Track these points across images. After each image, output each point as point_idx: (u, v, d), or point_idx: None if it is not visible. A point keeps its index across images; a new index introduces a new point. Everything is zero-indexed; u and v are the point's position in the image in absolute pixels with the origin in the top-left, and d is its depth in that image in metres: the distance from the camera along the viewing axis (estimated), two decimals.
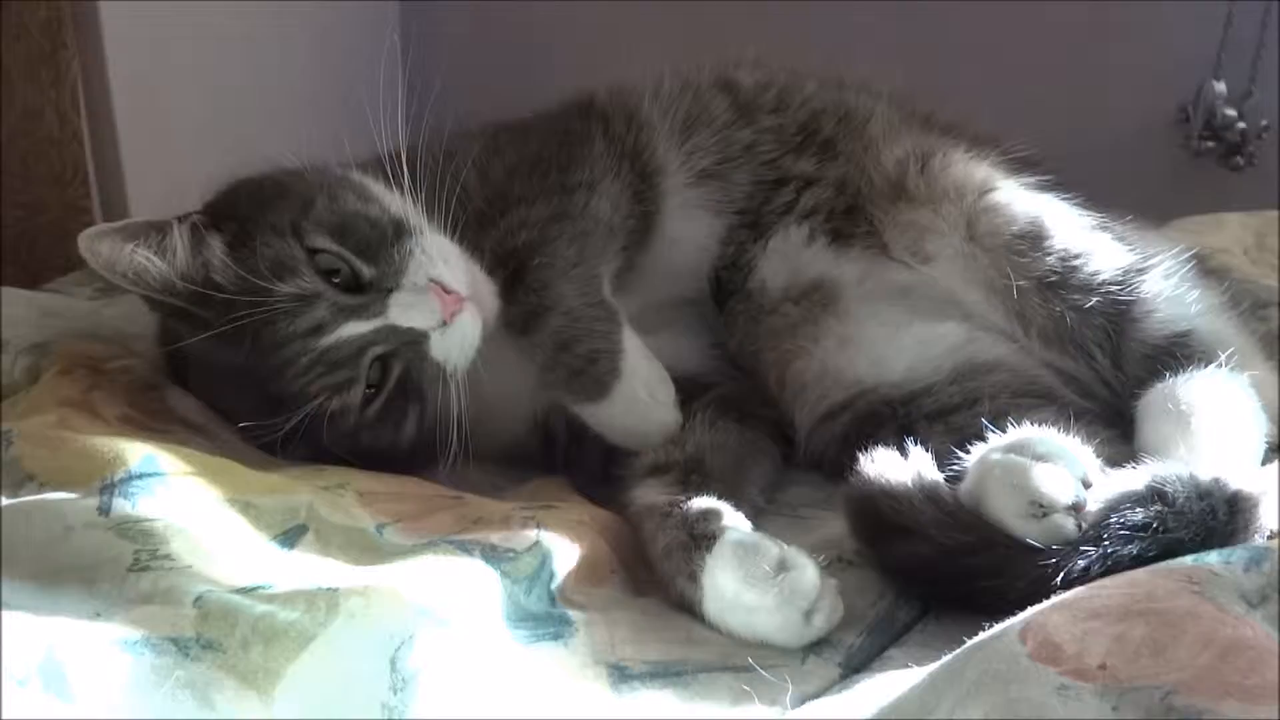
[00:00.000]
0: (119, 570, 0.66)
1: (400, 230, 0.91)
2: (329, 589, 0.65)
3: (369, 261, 0.89)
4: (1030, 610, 0.62)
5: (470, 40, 2.07)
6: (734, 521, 0.81)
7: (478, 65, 1.99)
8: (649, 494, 0.88)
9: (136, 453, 0.74)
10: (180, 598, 0.64)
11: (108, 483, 0.72)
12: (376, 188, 0.96)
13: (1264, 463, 0.84)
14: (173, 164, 1.48)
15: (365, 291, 0.88)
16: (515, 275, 0.95)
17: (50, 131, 1.38)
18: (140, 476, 0.73)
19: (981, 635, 0.61)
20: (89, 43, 1.41)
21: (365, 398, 0.88)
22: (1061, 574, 0.68)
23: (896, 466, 0.79)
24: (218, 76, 1.62)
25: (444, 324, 0.89)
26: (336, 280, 0.88)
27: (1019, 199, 1.00)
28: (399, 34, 2.05)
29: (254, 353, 0.86)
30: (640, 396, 0.95)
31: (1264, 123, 1.76)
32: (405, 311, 0.88)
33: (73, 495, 0.72)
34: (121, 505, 0.71)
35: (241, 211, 0.92)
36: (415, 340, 0.89)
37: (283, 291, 0.86)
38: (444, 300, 0.89)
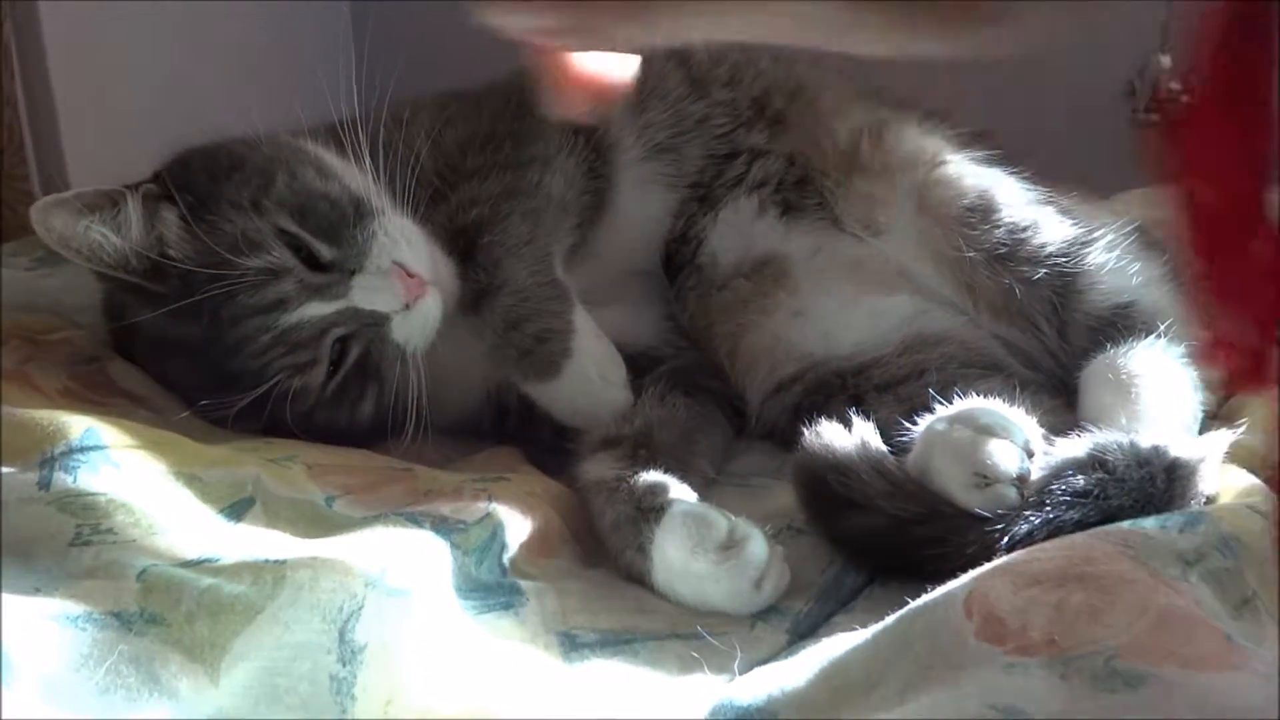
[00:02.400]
0: (60, 545, 0.65)
1: (361, 210, 0.90)
2: (276, 561, 0.65)
3: (329, 242, 0.88)
4: (972, 575, 0.63)
5: (424, 28, 2.04)
6: (681, 494, 0.81)
7: (431, 48, 1.97)
8: (598, 468, 0.88)
9: (78, 425, 0.73)
10: (123, 572, 0.63)
11: (48, 456, 0.70)
12: (335, 162, 0.95)
13: (1200, 431, 0.86)
14: (111, 129, 1.44)
15: (327, 271, 0.87)
16: (466, 252, 0.94)
17: None
18: (82, 449, 0.71)
19: (924, 599, 0.63)
20: (22, 3, 1.36)
21: (324, 377, 0.87)
22: (1005, 539, 0.69)
23: (842, 438, 0.80)
24: (158, 39, 1.58)
25: (406, 308, 0.88)
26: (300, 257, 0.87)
27: (969, 172, 1.01)
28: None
29: (211, 328, 0.85)
30: (591, 376, 0.94)
31: None
32: (368, 294, 0.87)
33: (10, 470, 0.70)
34: (62, 479, 0.69)
35: (197, 183, 0.89)
36: (376, 323, 0.88)
37: (247, 265, 0.84)
38: (407, 284, 0.88)
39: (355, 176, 0.93)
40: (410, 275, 0.88)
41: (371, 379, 0.89)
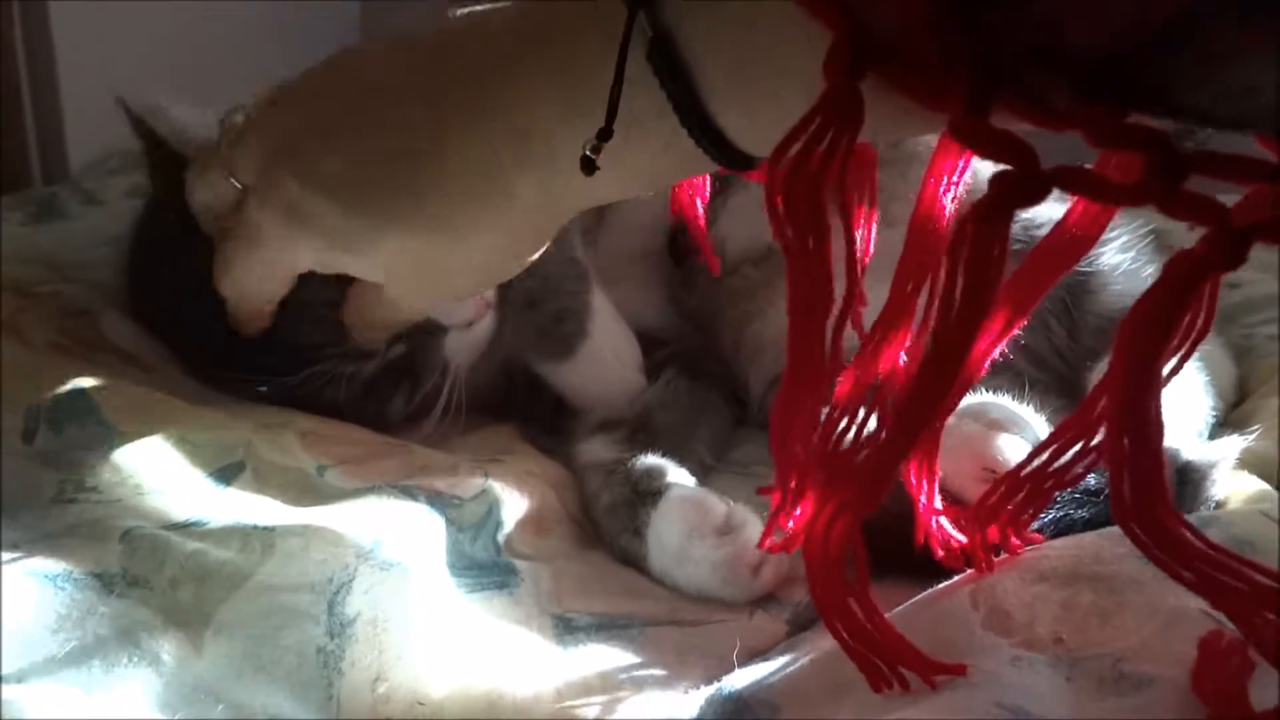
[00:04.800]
0: (42, 500, 0.63)
1: None
2: (265, 528, 0.63)
3: None
4: None
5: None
6: (679, 478, 0.80)
7: None
8: (595, 450, 0.87)
9: (65, 379, 0.71)
10: (106, 532, 0.61)
11: (34, 409, 0.69)
12: None
13: (1210, 437, 0.85)
14: (112, 85, 1.41)
15: None
16: None
17: None
18: (69, 404, 0.70)
19: (929, 591, 0.61)
20: None
21: (375, 369, 0.84)
22: None
23: None
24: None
25: (469, 324, 0.87)
26: None
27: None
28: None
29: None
30: (606, 358, 0.93)
31: None
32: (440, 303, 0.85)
33: None
34: (46, 433, 0.68)
35: None
36: (431, 331, 0.86)
37: None
38: (477, 302, 0.86)
39: None
40: (480, 295, 0.87)
41: (406, 378, 0.86)
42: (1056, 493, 0.70)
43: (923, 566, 0.69)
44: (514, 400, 0.98)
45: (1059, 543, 0.66)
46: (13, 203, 1.19)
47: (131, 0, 1.47)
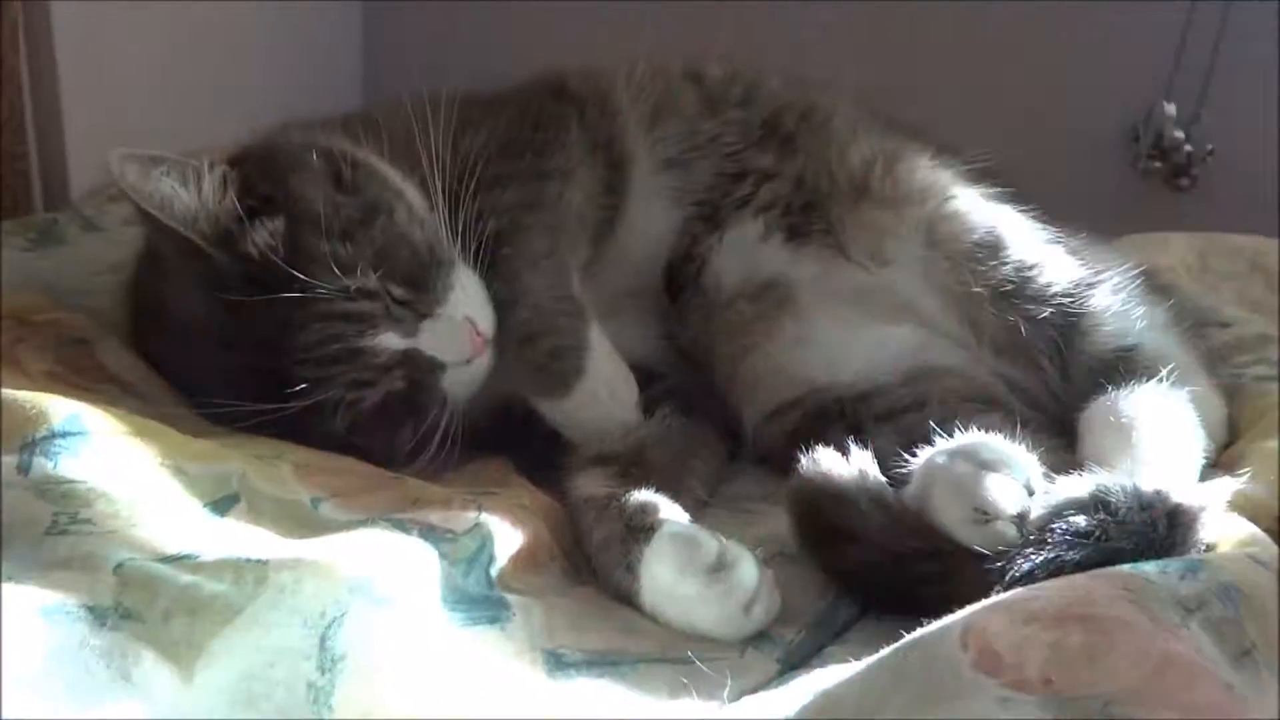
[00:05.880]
0: (36, 533, 0.63)
1: (437, 257, 0.88)
2: (258, 561, 0.63)
3: (406, 286, 0.86)
4: (969, 609, 0.62)
5: (435, 41, 2.04)
6: (672, 514, 0.80)
7: (443, 50, 1.95)
8: (589, 485, 0.87)
9: (61, 410, 0.71)
10: (100, 564, 0.61)
11: (28, 441, 0.69)
12: (416, 198, 0.92)
13: (1201, 478, 0.85)
14: (115, 110, 1.42)
15: (402, 306, 0.86)
16: (483, 262, 0.92)
17: None
18: (64, 435, 0.70)
19: (920, 632, 0.61)
20: None
21: (377, 399, 0.85)
22: (1005, 577, 0.68)
23: (839, 466, 0.79)
24: (166, 37, 1.56)
25: (467, 362, 0.88)
26: None
27: (979, 208, 1.00)
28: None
29: (277, 326, 0.81)
30: (602, 396, 0.93)
31: (1209, 146, 1.79)
32: (436, 340, 0.86)
33: None
34: (42, 464, 0.68)
35: (284, 188, 0.86)
36: (432, 368, 0.87)
37: (340, 282, 0.82)
38: (474, 342, 0.88)
39: (429, 213, 0.92)
40: (479, 334, 0.88)
41: (411, 413, 0.87)
42: (1049, 534, 0.71)
43: (913, 605, 0.70)
44: (509, 434, 0.98)
45: (1050, 584, 0.66)
46: (14, 228, 1.20)
47: (135, 23, 1.48)
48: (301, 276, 0.81)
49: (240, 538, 0.67)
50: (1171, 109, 1.81)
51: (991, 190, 1.02)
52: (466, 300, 0.88)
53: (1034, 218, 1.01)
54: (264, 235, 0.83)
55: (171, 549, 0.64)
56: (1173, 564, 0.68)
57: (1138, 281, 0.97)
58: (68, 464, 0.68)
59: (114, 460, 0.70)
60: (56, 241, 1.18)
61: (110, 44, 1.45)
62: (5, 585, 0.58)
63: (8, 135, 1.32)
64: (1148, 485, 0.75)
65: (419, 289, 0.87)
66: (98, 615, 0.58)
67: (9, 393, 0.72)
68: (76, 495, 0.66)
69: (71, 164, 1.38)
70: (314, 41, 1.93)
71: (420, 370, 0.87)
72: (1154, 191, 1.86)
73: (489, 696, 0.63)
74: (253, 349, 0.83)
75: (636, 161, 1.07)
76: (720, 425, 1.02)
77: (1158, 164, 1.85)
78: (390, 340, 0.85)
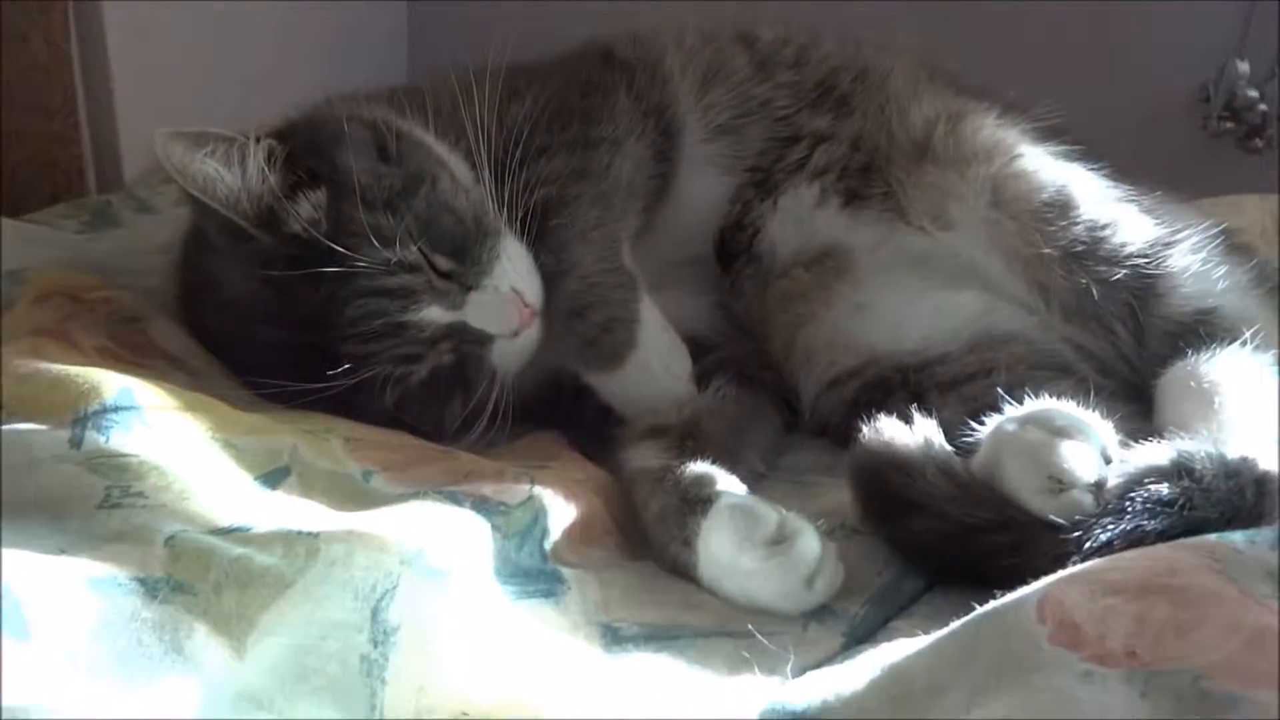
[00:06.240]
0: (88, 507, 0.63)
1: (483, 228, 0.87)
2: (310, 533, 0.62)
3: (451, 257, 0.85)
4: (1045, 580, 0.59)
5: (479, 36, 2.02)
6: (729, 486, 0.78)
7: (487, 50, 1.94)
8: (643, 457, 0.85)
9: (113, 384, 0.71)
10: (151, 537, 0.60)
11: (80, 415, 0.68)
12: (461, 169, 0.92)
13: None
14: (166, 95, 1.43)
15: (447, 279, 0.85)
16: (531, 233, 0.91)
17: (37, 58, 1.31)
18: (115, 409, 0.69)
19: (994, 604, 0.58)
20: None
21: (425, 374, 0.85)
22: (1083, 547, 0.65)
23: (903, 435, 0.76)
24: (218, 11, 1.57)
25: (515, 334, 0.87)
26: None
27: (1048, 166, 0.96)
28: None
29: (322, 303, 0.81)
30: (655, 368, 0.91)
31: None
32: (481, 313, 0.85)
33: (43, 427, 0.68)
34: (94, 439, 0.67)
35: (328, 160, 0.86)
36: (479, 341, 0.86)
37: (381, 255, 0.81)
38: (522, 313, 0.86)
39: (474, 184, 0.90)
40: (525, 305, 0.87)
41: (460, 387, 0.86)
42: (1128, 502, 0.67)
43: (983, 578, 0.67)
44: (561, 407, 0.97)
45: (1129, 555, 0.63)
46: (68, 211, 1.21)
47: (185, 9, 1.49)
48: (343, 251, 0.79)
49: (291, 510, 0.67)
50: (1245, 67, 1.74)
51: (1060, 148, 0.98)
52: (513, 271, 0.87)
53: (1105, 176, 0.97)
54: (307, 208, 0.83)
55: (223, 522, 0.64)
56: (1263, 533, 0.65)
57: (1217, 241, 0.93)
58: (120, 438, 0.68)
59: (165, 434, 0.69)
60: (110, 224, 1.19)
61: (160, 32, 1.46)
62: (58, 558, 0.58)
63: (61, 120, 1.34)
64: (1233, 452, 0.71)
65: (464, 260, 0.85)
66: (149, 588, 0.57)
67: (60, 367, 0.72)
68: (129, 469, 0.66)
69: (124, 147, 1.40)
70: (360, 35, 1.94)
71: (467, 343, 0.85)
72: (1226, 154, 1.79)
73: (544, 670, 0.61)
74: (298, 327, 0.82)
75: (687, 129, 1.04)
76: (777, 396, 1.00)
77: (1230, 125, 1.77)
78: (435, 314, 0.84)
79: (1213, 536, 0.64)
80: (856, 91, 1.06)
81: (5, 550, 0.56)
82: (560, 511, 0.76)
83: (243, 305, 0.85)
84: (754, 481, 0.86)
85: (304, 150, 0.86)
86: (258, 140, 0.84)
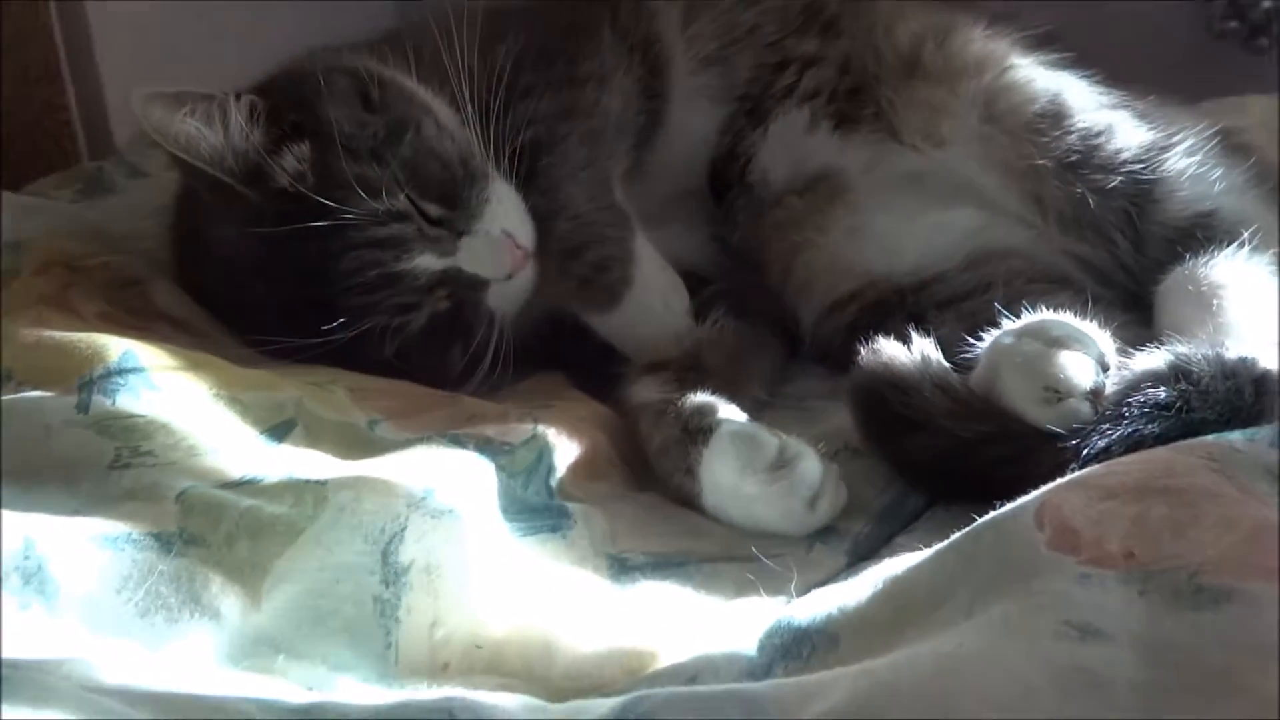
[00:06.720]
0: (100, 468, 0.64)
1: (470, 171, 0.86)
2: (317, 482, 0.63)
3: (440, 203, 0.85)
4: (1044, 488, 0.60)
5: None
6: (730, 414, 0.79)
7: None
8: (645, 392, 0.86)
9: (116, 348, 0.71)
10: (163, 493, 0.62)
11: (86, 380, 0.69)
12: (446, 113, 0.90)
13: None
14: (151, 54, 1.41)
15: (437, 226, 0.85)
16: (520, 175, 0.90)
17: (18, 25, 1.30)
18: (120, 372, 0.70)
19: (993, 514, 0.59)
20: None
21: (424, 322, 0.85)
22: (1081, 454, 0.65)
23: (901, 354, 0.76)
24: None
25: (509, 277, 0.86)
26: None
27: (1039, 76, 0.95)
28: None
29: (315, 256, 0.81)
30: (653, 305, 0.91)
31: None
32: (475, 258, 0.85)
33: (50, 393, 0.69)
34: (101, 402, 0.68)
35: (310, 112, 0.85)
36: (475, 285, 0.86)
37: (369, 206, 0.81)
38: (514, 255, 0.86)
39: (460, 128, 0.90)
40: (518, 247, 0.86)
41: (459, 332, 0.87)
42: (1125, 408, 0.68)
43: (984, 492, 0.68)
44: (562, 347, 0.97)
45: (1126, 459, 0.63)
46: (61, 181, 1.21)
47: None
48: (331, 204, 0.79)
49: (299, 461, 0.68)
50: None
51: (1052, 57, 0.97)
52: (504, 214, 0.87)
53: (1097, 83, 0.95)
54: (292, 162, 0.82)
55: (232, 475, 0.65)
56: (1261, 432, 0.65)
57: (1213, 142, 0.91)
58: (126, 399, 0.69)
59: (171, 393, 0.70)
60: (104, 190, 1.19)
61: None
62: (73, 519, 0.59)
63: (45, 87, 1.33)
64: (1232, 353, 0.71)
65: (453, 205, 0.85)
66: (163, 542, 0.59)
67: (63, 334, 0.74)
68: (136, 429, 0.67)
69: (111, 111, 1.39)
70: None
71: (463, 288, 0.85)
72: (1230, 54, 1.75)
73: (553, 600, 0.63)
74: (293, 282, 0.82)
75: (674, 61, 1.03)
76: (776, 325, 1.00)
77: (1233, 24, 1.73)
78: (428, 261, 0.84)
79: (1211, 437, 0.65)
80: (843, 13, 1.05)
81: (26, 514, 0.58)
82: (565, 449, 0.77)
83: (237, 263, 0.86)
84: (757, 410, 0.87)
85: (287, 104, 0.86)
86: (238, 97, 0.84)
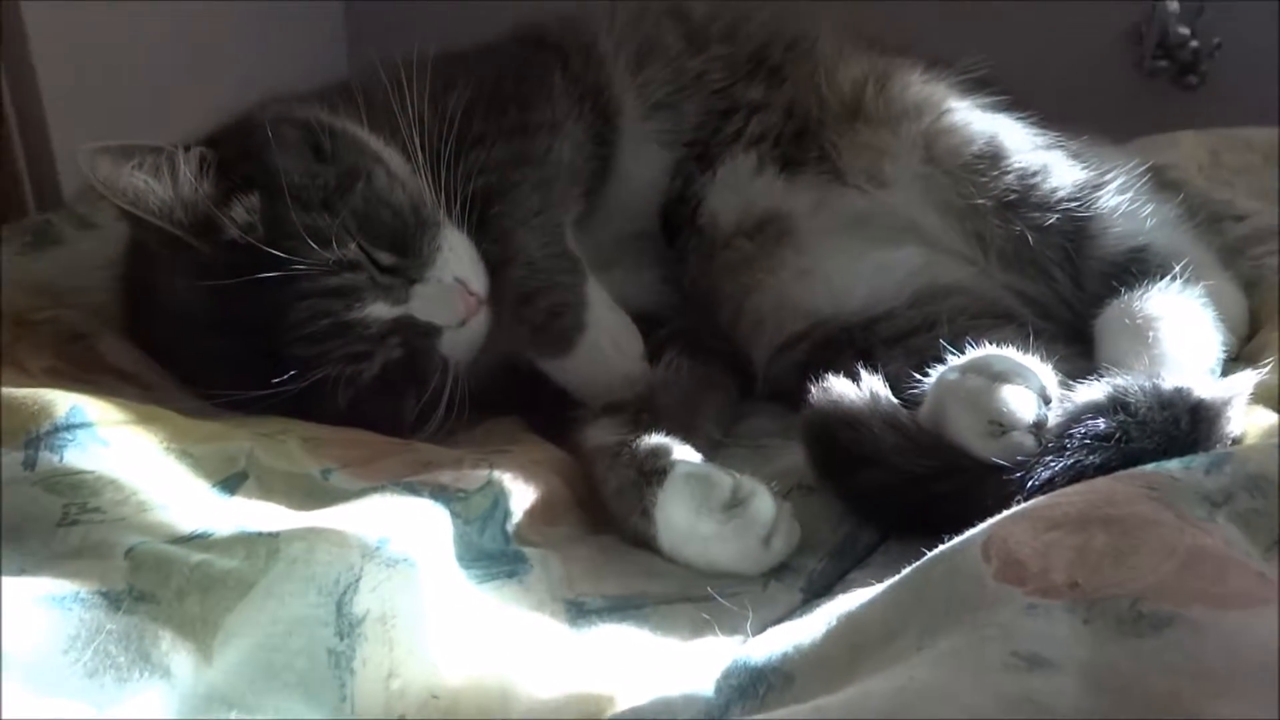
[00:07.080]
0: (47, 526, 0.63)
1: (421, 218, 0.87)
2: (269, 534, 0.63)
3: (392, 250, 0.85)
4: (990, 521, 0.61)
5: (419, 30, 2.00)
6: (684, 455, 0.79)
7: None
8: (600, 434, 0.86)
9: (63, 403, 0.71)
10: (111, 550, 0.61)
11: (33, 436, 0.68)
12: (397, 162, 0.91)
13: (1223, 373, 0.84)
14: (98, 103, 1.41)
15: (389, 274, 0.85)
16: (473, 222, 0.91)
17: None
18: (68, 428, 0.69)
19: (942, 548, 0.60)
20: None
21: (376, 370, 0.85)
22: (1026, 486, 0.67)
23: (850, 392, 0.78)
24: (148, 39, 1.53)
25: (462, 324, 0.87)
26: None
27: (977, 119, 0.98)
28: None
29: (266, 307, 0.81)
30: (606, 350, 0.92)
31: (1216, 40, 1.74)
32: (428, 305, 0.85)
33: None
34: (48, 459, 0.67)
35: (260, 163, 0.85)
36: (428, 333, 0.86)
37: (320, 256, 0.81)
38: (468, 303, 0.87)
39: (411, 176, 0.90)
40: (471, 294, 0.87)
41: (413, 380, 0.87)
42: (1067, 440, 0.69)
43: (934, 526, 0.69)
44: (517, 393, 0.98)
45: (1069, 490, 0.65)
46: (9, 234, 1.19)
47: (111, 19, 1.46)
48: (281, 255, 0.79)
49: (251, 514, 0.67)
50: (1174, 5, 1.76)
51: (988, 100, 1.00)
52: (456, 261, 0.87)
53: (1033, 124, 0.99)
54: (242, 213, 0.82)
55: (183, 530, 0.64)
56: (1197, 459, 0.67)
57: (1144, 180, 0.95)
58: (74, 455, 0.68)
59: (120, 448, 0.70)
60: (53, 243, 1.17)
61: (87, 42, 1.43)
62: (18, 579, 0.58)
63: None
64: (1168, 384, 0.73)
65: (405, 253, 0.85)
66: (112, 600, 0.58)
67: (9, 391, 0.72)
68: (85, 485, 0.66)
69: (60, 164, 1.38)
70: (298, 35, 1.91)
71: (416, 336, 0.86)
72: (1162, 92, 1.82)
73: (511, 648, 0.62)
74: (244, 334, 0.82)
75: (625, 107, 1.05)
76: (729, 365, 1.01)
77: (1164, 63, 1.80)
78: (380, 310, 0.84)
79: (1150, 466, 0.66)
80: (788, 61, 1.08)
81: None
82: (521, 493, 0.77)
83: (187, 315, 0.85)
84: (712, 450, 0.88)
85: (236, 155, 0.86)
86: (187, 149, 0.84)
